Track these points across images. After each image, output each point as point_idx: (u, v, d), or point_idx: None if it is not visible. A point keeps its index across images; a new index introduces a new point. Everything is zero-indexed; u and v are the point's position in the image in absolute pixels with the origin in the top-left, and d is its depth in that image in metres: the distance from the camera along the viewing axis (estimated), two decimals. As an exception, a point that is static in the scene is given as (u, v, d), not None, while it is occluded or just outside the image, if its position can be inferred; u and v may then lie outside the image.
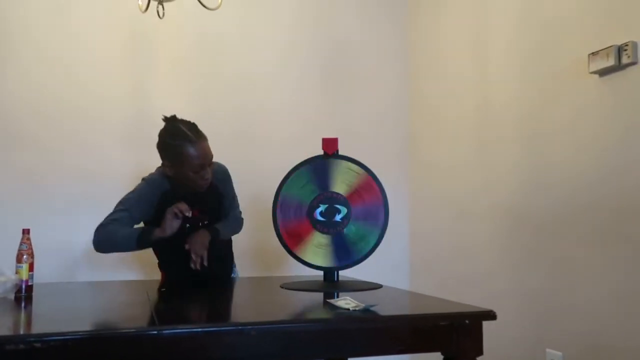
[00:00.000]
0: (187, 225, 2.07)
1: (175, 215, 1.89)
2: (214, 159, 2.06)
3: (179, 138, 1.92)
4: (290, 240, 2.03)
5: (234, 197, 2.28)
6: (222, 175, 2.19)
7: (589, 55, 1.97)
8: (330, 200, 2.03)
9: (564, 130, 2.11)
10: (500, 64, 2.48)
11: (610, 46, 1.88)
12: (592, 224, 1.97)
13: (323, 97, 3.13)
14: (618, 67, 1.87)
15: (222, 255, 2.22)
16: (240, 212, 2.33)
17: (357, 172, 2.04)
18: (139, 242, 1.91)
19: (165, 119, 2.00)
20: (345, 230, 2.01)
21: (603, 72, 1.94)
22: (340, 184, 2.03)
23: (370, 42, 3.24)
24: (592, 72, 1.97)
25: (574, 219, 2.05)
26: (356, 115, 3.17)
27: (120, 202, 2.02)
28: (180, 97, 2.88)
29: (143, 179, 2.11)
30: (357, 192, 2.03)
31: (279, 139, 3.01)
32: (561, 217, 2.11)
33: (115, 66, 2.81)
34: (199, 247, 1.97)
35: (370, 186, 2.03)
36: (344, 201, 2.02)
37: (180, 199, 1.98)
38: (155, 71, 2.87)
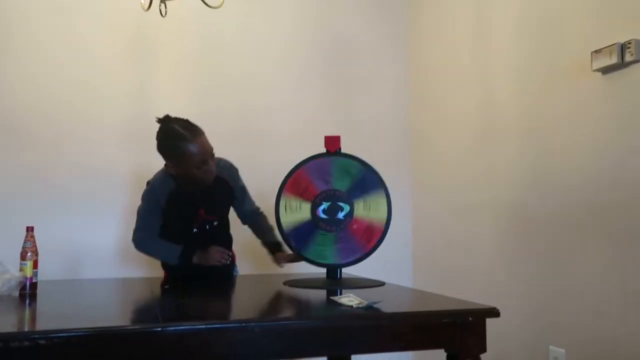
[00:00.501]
0: (195, 230, 2.11)
1: (219, 260, 2.07)
2: (218, 155, 2.06)
3: (175, 138, 1.93)
4: (292, 187, 2.03)
5: (245, 190, 2.27)
6: (229, 171, 2.19)
7: (592, 52, 1.97)
8: (333, 197, 2.03)
9: (566, 128, 2.11)
10: (502, 62, 2.48)
11: (614, 44, 1.87)
12: (594, 220, 1.97)
13: (324, 94, 3.13)
14: (621, 65, 1.87)
15: (222, 244, 2.22)
16: (258, 207, 2.32)
17: (360, 170, 2.04)
18: (180, 262, 2.07)
19: (159, 120, 2.00)
20: (347, 227, 2.01)
21: (606, 70, 1.94)
22: (343, 181, 2.04)
23: (371, 38, 3.24)
24: (595, 70, 1.96)
25: (576, 214, 2.05)
26: (357, 112, 3.17)
27: (139, 216, 2.14)
28: (181, 95, 2.88)
29: (148, 183, 2.13)
30: (359, 190, 2.04)
31: (281, 137, 3.01)
32: (563, 213, 2.11)
33: (116, 65, 2.81)
34: (217, 257, 2.09)
35: (373, 184, 2.03)
36: (347, 199, 2.02)
37: (187, 197, 2.04)
38: (156, 70, 2.87)
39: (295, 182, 2.04)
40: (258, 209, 2.33)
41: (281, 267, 2.18)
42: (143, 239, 2.11)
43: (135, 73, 2.83)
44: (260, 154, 2.94)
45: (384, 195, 2.02)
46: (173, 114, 2.88)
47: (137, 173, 2.79)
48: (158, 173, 2.13)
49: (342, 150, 2.06)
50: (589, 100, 2.01)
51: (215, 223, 2.16)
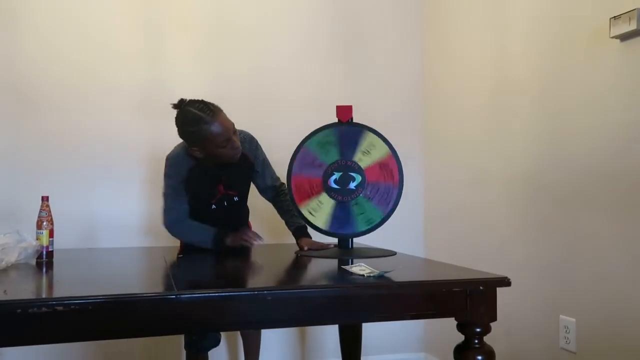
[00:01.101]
0: (213, 206, 2.12)
1: (243, 239, 2.09)
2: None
3: (195, 123, 1.92)
4: (299, 195, 2.04)
5: (266, 163, 2.25)
6: (249, 144, 2.17)
7: (610, 19, 1.92)
8: (345, 168, 2.03)
9: (584, 97, 2.08)
10: (518, 30, 2.43)
11: (633, 9, 1.82)
12: (610, 191, 1.96)
13: (337, 67, 3.09)
14: (640, 31, 1.82)
15: (240, 224, 2.25)
16: (278, 178, 2.30)
17: (377, 144, 2.03)
18: (213, 245, 2.06)
19: (175, 106, 1.99)
20: (359, 197, 2.02)
21: (625, 37, 1.89)
22: (361, 153, 2.03)
23: (386, 9, 3.18)
24: (613, 37, 1.92)
25: (590, 185, 2.04)
26: (370, 83, 3.14)
27: (166, 197, 2.11)
28: (193, 61, 2.87)
29: (167, 158, 2.11)
30: (375, 163, 2.03)
31: (291, 100, 2.99)
32: (578, 187, 2.09)
33: (131, 30, 2.80)
34: (242, 237, 2.10)
35: (388, 157, 2.02)
36: (359, 169, 2.02)
37: (206, 173, 2.06)
38: (170, 35, 2.85)
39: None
40: (278, 180, 2.31)
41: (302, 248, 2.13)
42: (174, 222, 2.09)
43: (149, 39, 2.81)
44: (271, 120, 2.93)
45: (397, 167, 2.02)
46: (186, 80, 2.90)
47: (151, 141, 2.80)
48: (177, 149, 2.11)
49: (355, 114, 2.06)
50: (607, 67, 1.97)
51: (236, 199, 2.17)
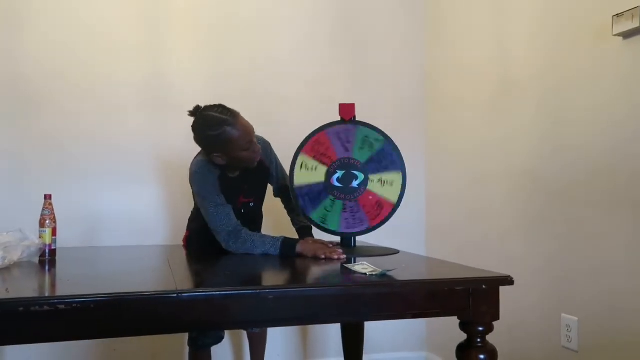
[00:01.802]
0: (242, 211, 2.09)
1: (321, 255, 1.83)
2: None
3: (217, 126, 1.86)
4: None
5: (279, 164, 2.25)
6: (264, 149, 2.12)
7: (613, 16, 1.91)
8: (347, 166, 2.03)
9: (586, 95, 2.07)
10: (520, 28, 2.42)
11: (636, 7, 1.81)
12: (610, 188, 1.95)
13: (338, 65, 3.08)
14: (644, 29, 1.82)
15: (255, 222, 2.24)
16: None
17: (381, 144, 2.03)
18: (282, 252, 1.89)
19: (191, 113, 1.93)
20: (362, 196, 2.02)
21: (627, 35, 1.89)
22: (363, 151, 2.03)
23: (388, 7, 3.17)
24: (615, 35, 1.91)
25: (591, 182, 2.03)
26: (371, 76, 3.13)
27: (213, 217, 1.96)
28: (194, 55, 2.86)
29: (193, 174, 1.99)
30: (377, 164, 2.03)
31: (291, 95, 2.97)
32: (579, 181, 2.09)
33: (131, 25, 2.78)
34: (322, 251, 1.86)
35: (393, 161, 2.03)
36: (362, 167, 2.02)
37: (230, 184, 1.99)
38: (171, 30, 2.84)
39: (316, 143, 2.05)
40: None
41: None
42: (235, 240, 1.93)
43: (151, 35, 2.81)
44: (271, 117, 2.92)
45: (400, 175, 2.02)
46: (187, 75, 2.89)
47: (153, 138, 2.80)
48: (199, 163, 2.00)
49: (356, 113, 2.06)
50: (609, 65, 1.97)
51: (252, 204, 2.16)
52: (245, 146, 1.91)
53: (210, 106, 1.93)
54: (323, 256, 1.81)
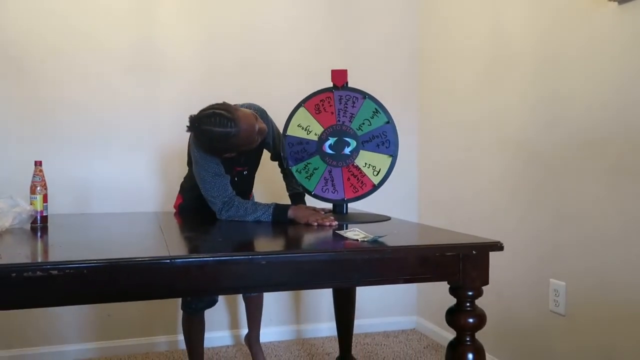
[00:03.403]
0: (235, 179, 2.09)
1: (313, 222, 1.83)
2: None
3: (223, 140, 1.84)
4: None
5: (277, 131, 2.25)
6: (260, 115, 2.08)
7: (609, -19, 1.89)
8: (339, 133, 2.02)
9: (579, 62, 2.06)
10: (516, -8, 2.39)
11: (633, -28, 1.79)
12: (601, 159, 1.96)
13: (329, 21, 3.05)
14: (639, -6, 1.80)
15: (246, 188, 2.26)
16: None
17: (380, 118, 2.02)
18: (275, 218, 1.90)
19: (189, 129, 1.88)
20: (354, 162, 2.02)
21: (623, 0, 1.87)
22: (360, 123, 2.02)
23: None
24: (611, 0, 1.89)
25: (584, 153, 2.04)
26: (364, 40, 3.09)
27: (208, 186, 1.96)
28: (184, 24, 2.82)
29: (195, 146, 1.97)
30: (371, 142, 2.02)
31: (284, 66, 2.95)
32: (571, 152, 2.10)
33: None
34: (314, 217, 1.86)
35: (386, 145, 2.02)
36: (354, 134, 2.02)
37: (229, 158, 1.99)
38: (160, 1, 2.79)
39: (320, 101, 2.04)
40: None
41: None
42: (228, 209, 1.94)
43: (136, 1, 2.76)
44: (262, 84, 2.90)
45: (390, 160, 2.01)
46: (178, 42, 2.85)
47: (145, 105, 2.77)
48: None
49: (348, 79, 2.05)
50: (604, 32, 1.95)
51: (245, 173, 2.19)
52: (254, 140, 1.92)
53: (204, 118, 1.84)
54: (315, 223, 1.82)
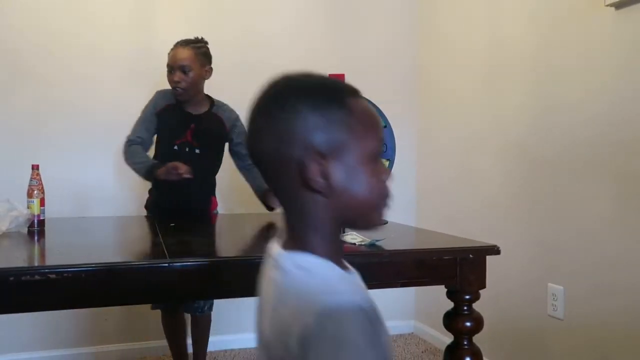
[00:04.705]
0: (175, 147, 2.20)
1: (172, 170, 2.02)
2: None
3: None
4: None
5: (245, 134, 2.28)
6: (228, 113, 2.28)
7: (605, -13, 1.90)
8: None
9: (578, 68, 2.07)
10: (513, -3, 2.41)
11: (629, -23, 1.81)
12: (600, 163, 1.97)
13: (328, 27, 3.05)
14: (636, -1, 1.81)
15: (203, 184, 2.25)
16: None
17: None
18: (146, 177, 2.15)
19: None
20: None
21: (620, 5, 1.88)
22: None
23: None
24: (608, 5, 1.90)
25: (582, 157, 2.04)
26: (363, 47, 3.10)
27: (136, 121, 2.25)
28: (181, 28, 2.81)
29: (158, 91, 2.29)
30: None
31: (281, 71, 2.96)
32: (569, 156, 2.10)
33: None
34: (172, 175, 2.05)
35: (385, 139, 2.01)
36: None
37: (179, 115, 2.21)
38: (160, 4, 2.79)
39: None
40: None
41: (273, 208, 2.15)
42: (127, 143, 2.19)
43: (136, 7, 2.76)
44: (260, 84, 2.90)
45: (386, 165, 2.00)
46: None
47: (141, 110, 2.77)
48: (164, 89, 2.26)
49: (348, 82, 2.04)
50: (602, 35, 1.96)
51: (197, 151, 2.21)
52: (168, 68, 2.17)
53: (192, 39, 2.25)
54: (175, 177, 1.99)
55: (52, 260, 1.38)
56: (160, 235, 1.73)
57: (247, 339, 2.83)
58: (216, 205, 2.38)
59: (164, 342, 2.81)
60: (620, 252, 1.88)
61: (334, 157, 0.71)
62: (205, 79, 2.24)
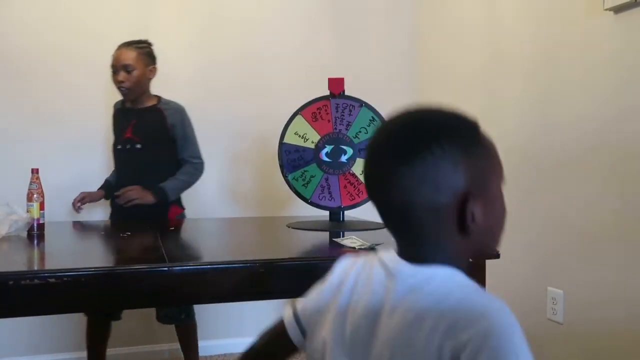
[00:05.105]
0: (119, 146, 2.27)
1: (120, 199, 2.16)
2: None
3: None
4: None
5: (188, 140, 2.28)
6: (172, 110, 2.28)
7: (604, -9, 1.91)
8: (336, 141, 2.03)
9: (577, 69, 2.07)
10: (511, 1, 2.41)
11: (627, -18, 1.81)
12: (599, 166, 1.97)
13: (328, 30, 3.05)
14: (634, 3, 1.81)
15: (140, 177, 2.24)
16: (199, 160, 2.32)
17: (371, 120, 2.03)
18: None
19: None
20: (351, 170, 2.02)
21: (618, 9, 1.88)
22: (360, 133, 2.03)
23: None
24: (607, 9, 1.91)
25: (581, 160, 2.05)
26: (365, 53, 3.10)
27: None
28: (182, 40, 2.82)
29: None
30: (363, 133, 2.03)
31: (284, 84, 2.96)
32: (568, 159, 2.10)
33: (119, 6, 2.75)
34: (134, 194, 2.17)
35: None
36: (350, 142, 2.02)
37: (123, 115, 2.29)
38: (157, 11, 2.80)
39: (316, 109, 2.04)
40: (196, 159, 2.31)
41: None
42: None
43: (135, 16, 2.77)
44: (263, 101, 2.90)
45: None
46: (174, 58, 2.87)
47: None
48: None
49: (347, 81, 2.05)
50: (600, 40, 1.97)
51: (138, 146, 2.23)
52: (112, 68, 2.20)
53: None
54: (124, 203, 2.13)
55: (51, 264, 1.38)
56: (160, 238, 1.73)
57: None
58: (179, 209, 2.33)
59: (166, 346, 2.81)
60: (621, 256, 1.88)
61: (480, 197, 0.70)
62: (149, 78, 2.27)
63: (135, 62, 2.19)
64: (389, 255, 0.77)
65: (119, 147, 2.28)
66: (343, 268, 0.85)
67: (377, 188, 0.74)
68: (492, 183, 0.74)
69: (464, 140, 0.72)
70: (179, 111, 2.29)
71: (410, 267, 0.73)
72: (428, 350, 0.65)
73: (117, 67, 2.19)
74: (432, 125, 0.73)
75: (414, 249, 0.74)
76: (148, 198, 2.16)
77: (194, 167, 2.29)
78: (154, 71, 2.28)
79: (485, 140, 0.76)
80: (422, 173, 0.69)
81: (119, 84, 2.20)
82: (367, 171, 0.75)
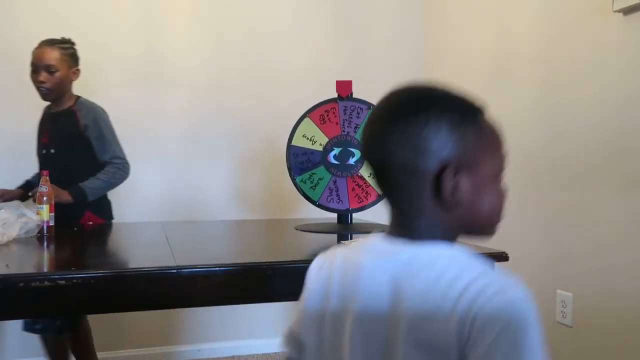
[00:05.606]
0: (44, 150, 2.21)
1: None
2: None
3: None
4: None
5: (105, 140, 2.19)
6: (86, 110, 2.18)
7: (613, -8, 1.90)
8: (344, 143, 2.03)
9: (585, 72, 2.06)
10: (520, 5, 2.40)
11: (637, -17, 1.80)
12: (608, 169, 1.96)
13: (335, 32, 3.05)
14: (644, 5, 1.80)
15: (62, 173, 2.12)
16: (121, 160, 2.22)
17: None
18: None
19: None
20: (359, 173, 2.02)
21: (628, 11, 1.88)
22: (355, 126, 2.03)
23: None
24: (616, 11, 1.90)
25: (590, 161, 2.04)
26: (369, 51, 3.10)
27: None
28: (189, 36, 2.84)
29: None
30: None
31: (289, 80, 2.96)
32: (578, 162, 2.09)
33: (125, 3, 2.76)
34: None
35: None
36: (358, 144, 2.02)
37: (42, 121, 2.25)
38: (167, 8, 2.81)
39: (324, 111, 2.04)
40: (117, 159, 2.21)
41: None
42: None
43: (144, 11, 2.78)
44: (268, 94, 2.91)
45: None
46: (182, 55, 2.86)
47: (150, 115, 2.79)
48: None
49: (354, 89, 2.05)
50: (610, 42, 1.96)
51: (52, 151, 2.19)
52: (32, 67, 2.12)
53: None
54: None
55: (61, 266, 1.39)
56: (169, 241, 1.74)
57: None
58: (98, 218, 2.24)
59: (174, 348, 2.82)
60: (630, 258, 1.87)
61: (466, 172, 0.73)
62: (72, 80, 2.20)
63: (58, 63, 2.12)
64: (375, 239, 0.81)
65: (44, 152, 2.21)
66: (317, 272, 0.90)
67: (368, 146, 0.79)
68: (485, 164, 0.77)
69: (460, 116, 0.75)
70: (92, 110, 2.19)
71: (405, 246, 0.75)
72: (446, 339, 0.68)
73: (39, 66, 2.11)
74: (432, 95, 0.79)
75: (403, 219, 0.77)
76: (65, 197, 2.02)
77: (116, 167, 2.19)
78: (77, 73, 2.21)
79: (486, 123, 0.80)
80: (410, 136, 0.73)
81: (39, 83, 2.12)
82: (364, 128, 0.80)
